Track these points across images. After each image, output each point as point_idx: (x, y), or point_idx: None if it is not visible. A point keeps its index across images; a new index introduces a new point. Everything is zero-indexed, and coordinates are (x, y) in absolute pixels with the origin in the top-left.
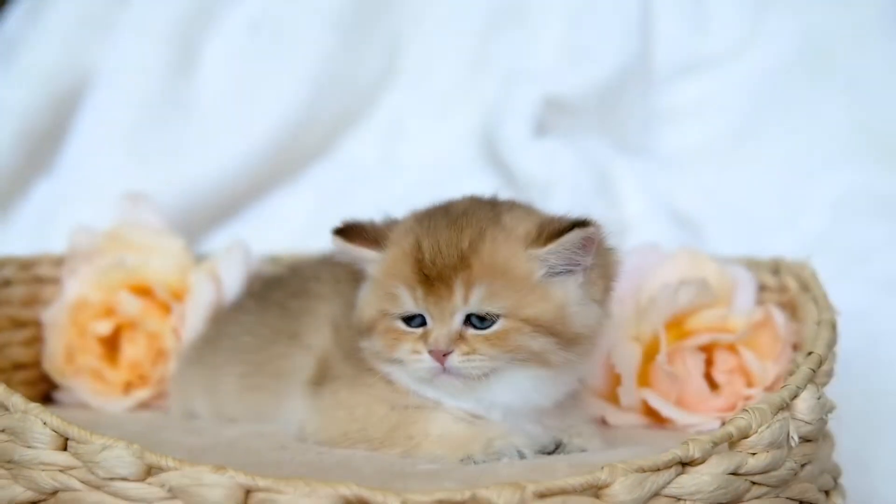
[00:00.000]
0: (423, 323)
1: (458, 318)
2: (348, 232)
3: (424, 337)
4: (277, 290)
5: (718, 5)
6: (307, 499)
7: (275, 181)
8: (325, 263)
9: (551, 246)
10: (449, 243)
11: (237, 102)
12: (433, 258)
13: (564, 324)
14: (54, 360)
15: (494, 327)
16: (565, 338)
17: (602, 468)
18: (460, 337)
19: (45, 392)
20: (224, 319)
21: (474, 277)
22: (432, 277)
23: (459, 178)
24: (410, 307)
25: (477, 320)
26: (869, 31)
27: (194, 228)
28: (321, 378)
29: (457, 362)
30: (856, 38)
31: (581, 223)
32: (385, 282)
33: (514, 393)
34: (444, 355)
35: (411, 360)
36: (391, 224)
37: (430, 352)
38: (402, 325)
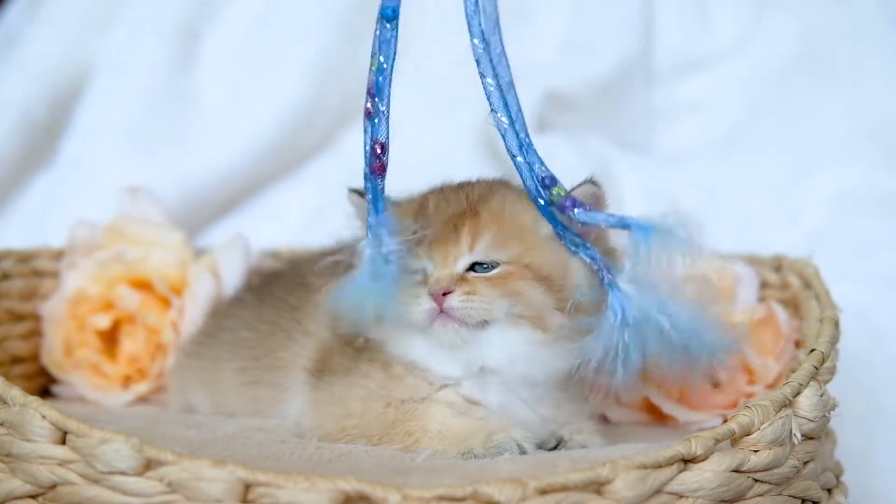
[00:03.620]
0: (426, 276)
1: (462, 264)
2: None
3: (425, 282)
4: (276, 285)
5: (719, 3)
6: (307, 493)
7: (275, 176)
8: (324, 257)
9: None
10: (458, 196)
11: (238, 97)
12: (439, 207)
13: (565, 283)
14: (53, 354)
15: (497, 270)
16: (564, 300)
17: (604, 464)
18: (462, 279)
19: (44, 386)
20: (223, 314)
21: (482, 226)
22: (438, 225)
23: (459, 172)
24: (414, 258)
25: (480, 268)
26: (868, 30)
27: (194, 222)
28: (320, 369)
29: (456, 302)
30: (855, 36)
31: (589, 181)
32: None
33: (506, 354)
34: (444, 294)
35: (409, 304)
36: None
37: (431, 294)
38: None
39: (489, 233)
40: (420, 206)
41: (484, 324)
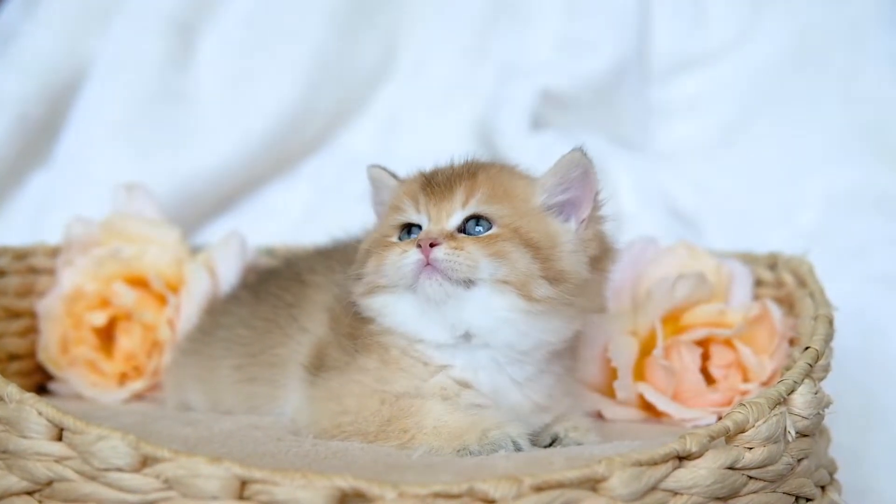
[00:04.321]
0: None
1: (455, 220)
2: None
3: (416, 239)
4: (272, 282)
5: (715, 2)
6: (303, 490)
7: (271, 173)
8: (320, 255)
9: (551, 168)
10: (457, 165)
11: (234, 94)
12: (439, 172)
13: (553, 253)
14: (49, 351)
15: (487, 232)
16: (551, 271)
17: (599, 462)
18: (451, 237)
19: (40, 383)
20: (219, 311)
21: (478, 185)
22: (435, 185)
23: None
24: (411, 214)
25: (473, 231)
26: (864, 28)
27: (191, 220)
28: (317, 365)
29: (441, 254)
30: (851, 35)
31: (577, 149)
32: (393, 205)
33: (489, 318)
34: (432, 245)
35: (398, 259)
36: None
37: (419, 245)
38: (395, 241)
39: (483, 191)
40: (425, 175)
41: (469, 283)
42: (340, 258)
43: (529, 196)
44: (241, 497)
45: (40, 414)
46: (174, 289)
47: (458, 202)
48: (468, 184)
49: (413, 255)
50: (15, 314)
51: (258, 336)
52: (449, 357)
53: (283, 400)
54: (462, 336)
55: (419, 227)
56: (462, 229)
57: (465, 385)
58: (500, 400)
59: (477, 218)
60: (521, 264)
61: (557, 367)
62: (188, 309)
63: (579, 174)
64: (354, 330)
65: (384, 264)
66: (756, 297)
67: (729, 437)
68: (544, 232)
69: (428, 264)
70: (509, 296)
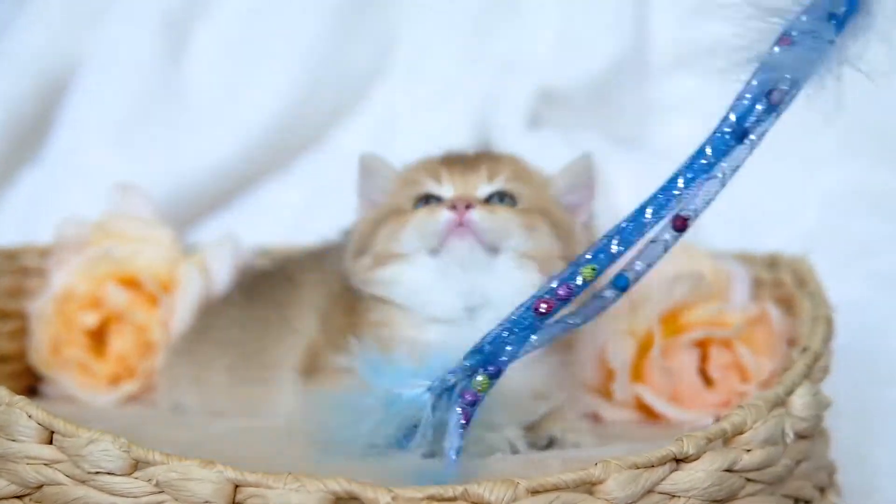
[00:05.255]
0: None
1: (482, 192)
2: None
3: (449, 201)
4: (264, 283)
5: None
6: (296, 494)
7: (266, 173)
8: (311, 255)
9: (561, 170)
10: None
11: (228, 93)
12: (460, 153)
13: (570, 239)
14: (40, 353)
15: (516, 206)
16: (569, 253)
17: (596, 464)
18: (484, 203)
19: (30, 385)
20: (212, 312)
21: (502, 165)
22: (459, 162)
23: None
24: (432, 186)
25: (497, 203)
26: None
27: (184, 219)
28: (310, 368)
29: (476, 216)
30: None
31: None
32: (405, 181)
33: (508, 290)
34: (467, 207)
35: (425, 219)
36: None
37: (453, 206)
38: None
39: (508, 171)
40: (444, 154)
41: (495, 251)
42: (331, 258)
43: (547, 186)
44: (233, 501)
45: (30, 417)
46: (167, 289)
47: (484, 177)
48: (492, 163)
49: (445, 215)
50: (5, 315)
51: (250, 337)
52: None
53: (276, 402)
54: (471, 309)
55: (438, 199)
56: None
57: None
58: (499, 385)
59: (501, 195)
60: (546, 241)
61: (554, 357)
62: (181, 310)
63: (585, 180)
64: (349, 325)
65: (404, 228)
66: (755, 298)
67: (727, 439)
68: (564, 217)
69: (461, 224)
70: (530, 271)
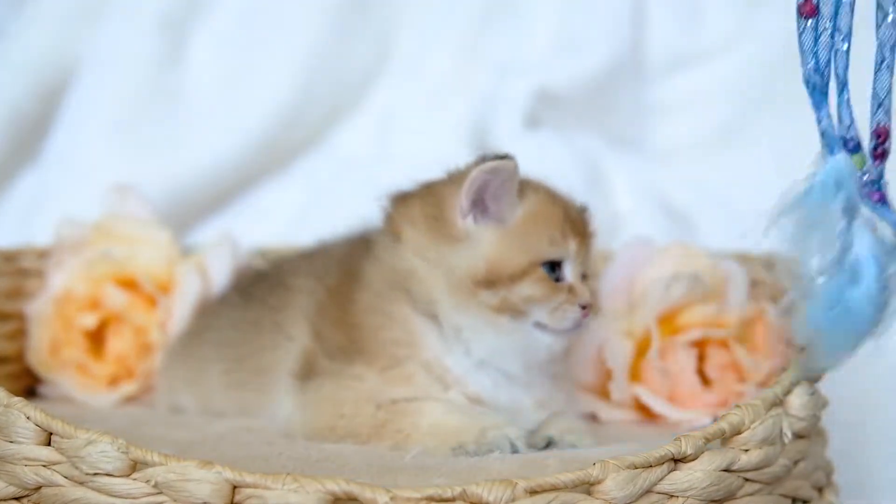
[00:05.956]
0: (557, 275)
1: (577, 272)
2: None
3: (572, 291)
4: (259, 285)
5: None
6: (295, 494)
7: (264, 173)
8: (305, 258)
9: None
10: (571, 205)
11: (226, 93)
12: (575, 214)
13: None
14: (39, 354)
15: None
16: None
17: (594, 464)
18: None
19: (29, 386)
20: (210, 313)
21: (589, 240)
22: (578, 231)
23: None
24: (565, 254)
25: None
26: (859, 28)
27: (182, 221)
28: (306, 372)
29: (591, 321)
30: None
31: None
32: (536, 228)
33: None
34: (584, 307)
35: (564, 310)
36: None
37: (583, 308)
38: (548, 274)
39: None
40: (556, 200)
41: None
42: (324, 261)
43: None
44: (232, 501)
45: (28, 418)
46: (165, 290)
47: (587, 248)
48: (587, 238)
49: (577, 313)
50: (4, 316)
51: (247, 339)
52: (467, 374)
53: (274, 403)
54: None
55: (559, 264)
56: None
57: (476, 400)
58: (503, 397)
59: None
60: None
61: (557, 367)
62: (179, 311)
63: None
64: (348, 340)
65: (547, 305)
66: (752, 298)
67: (725, 439)
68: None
69: (580, 326)
70: None
